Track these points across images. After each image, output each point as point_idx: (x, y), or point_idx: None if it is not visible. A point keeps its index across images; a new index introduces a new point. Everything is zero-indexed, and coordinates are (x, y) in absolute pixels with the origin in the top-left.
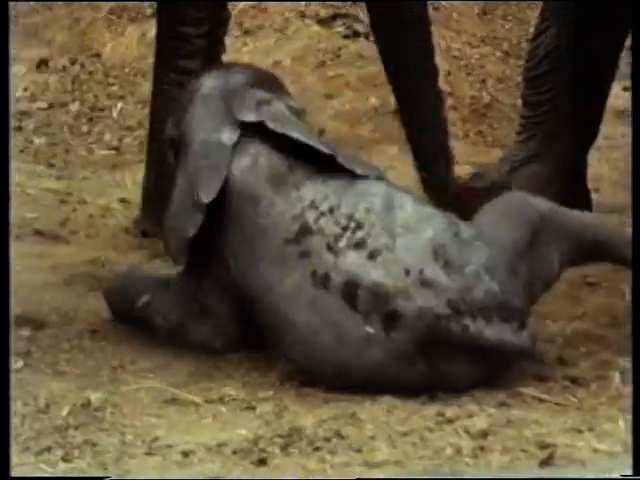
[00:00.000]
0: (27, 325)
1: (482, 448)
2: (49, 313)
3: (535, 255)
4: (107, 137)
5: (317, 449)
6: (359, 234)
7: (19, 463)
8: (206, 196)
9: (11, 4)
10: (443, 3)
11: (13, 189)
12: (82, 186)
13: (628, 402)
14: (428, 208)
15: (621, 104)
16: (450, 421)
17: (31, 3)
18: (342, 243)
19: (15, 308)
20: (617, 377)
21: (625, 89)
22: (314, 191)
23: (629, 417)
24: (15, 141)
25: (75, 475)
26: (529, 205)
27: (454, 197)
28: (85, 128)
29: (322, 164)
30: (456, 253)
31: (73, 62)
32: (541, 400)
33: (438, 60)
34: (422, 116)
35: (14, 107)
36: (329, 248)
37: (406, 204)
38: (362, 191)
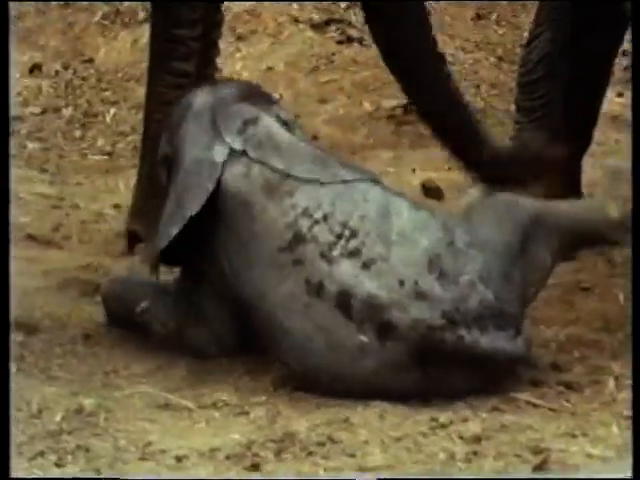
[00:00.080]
0: (20, 330)
1: (475, 453)
2: (42, 318)
3: (527, 256)
4: (100, 142)
5: (310, 454)
6: (353, 243)
7: (12, 468)
8: (191, 209)
9: None
10: (436, 7)
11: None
12: (75, 191)
13: (622, 407)
14: (423, 214)
15: (615, 110)
16: (443, 426)
17: (23, 8)
18: (336, 252)
19: None
20: (611, 382)
21: (619, 95)
22: (308, 198)
23: (623, 422)
24: None
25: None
26: (519, 206)
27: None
28: (78, 133)
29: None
30: (451, 263)
31: (66, 67)
32: (535, 405)
33: None
34: (440, 103)
35: None
36: (323, 256)
37: (402, 211)
38: (357, 197)
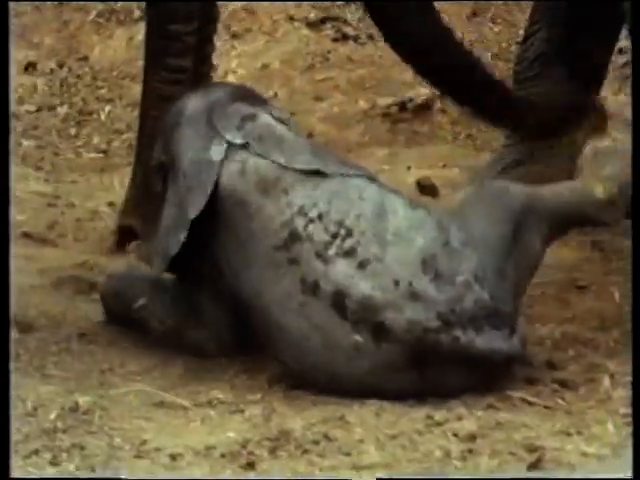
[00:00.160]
0: (15, 328)
1: (471, 451)
2: (37, 316)
3: (519, 246)
4: (95, 140)
5: (306, 452)
6: (349, 242)
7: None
8: (192, 212)
9: None
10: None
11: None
12: (70, 189)
13: (617, 405)
14: (419, 212)
15: (610, 107)
16: (439, 424)
17: (19, 6)
18: (332, 251)
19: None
20: (606, 380)
21: (615, 93)
22: (304, 196)
23: (619, 420)
24: None
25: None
26: (509, 195)
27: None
28: (73, 131)
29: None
30: (446, 263)
31: (61, 65)
32: (530, 403)
33: None
34: (473, 85)
35: None
36: (318, 256)
37: (397, 209)
38: (353, 196)
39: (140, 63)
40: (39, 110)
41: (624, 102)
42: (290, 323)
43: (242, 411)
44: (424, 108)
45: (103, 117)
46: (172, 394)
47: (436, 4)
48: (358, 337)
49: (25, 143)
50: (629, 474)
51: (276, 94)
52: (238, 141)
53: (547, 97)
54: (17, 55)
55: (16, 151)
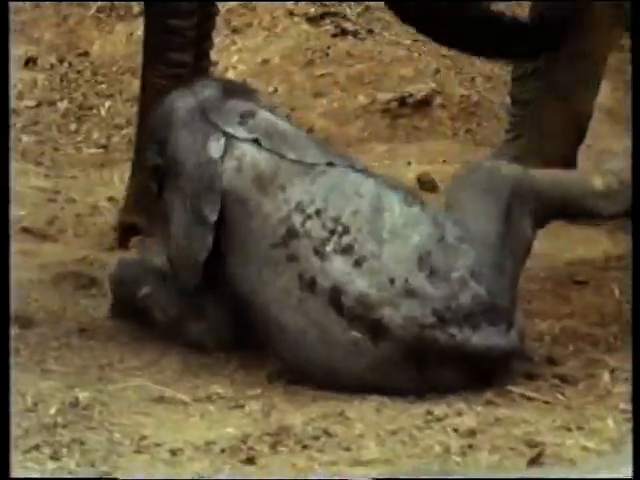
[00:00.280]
0: (15, 323)
1: (471, 446)
2: (37, 311)
3: (511, 230)
4: (95, 135)
5: (306, 447)
6: (346, 239)
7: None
8: (212, 215)
9: None
10: None
11: None
12: (70, 184)
13: (617, 400)
14: (415, 209)
15: (610, 103)
16: (439, 420)
17: (18, 2)
18: (329, 247)
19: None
20: (606, 375)
21: (614, 89)
22: (301, 192)
23: (619, 415)
24: None
25: (65, 475)
26: (496, 177)
27: None
28: (73, 126)
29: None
30: (441, 260)
31: (61, 60)
32: (530, 398)
33: (427, 59)
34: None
35: None
36: (316, 252)
37: (393, 206)
38: (349, 192)
39: (140, 58)
40: (39, 105)
41: (622, 98)
42: (288, 319)
43: (242, 406)
44: (424, 103)
45: (103, 112)
46: (172, 389)
47: None
48: (355, 334)
49: (25, 138)
50: (629, 469)
51: (276, 89)
52: (243, 134)
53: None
54: (17, 50)
55: (16, 146)
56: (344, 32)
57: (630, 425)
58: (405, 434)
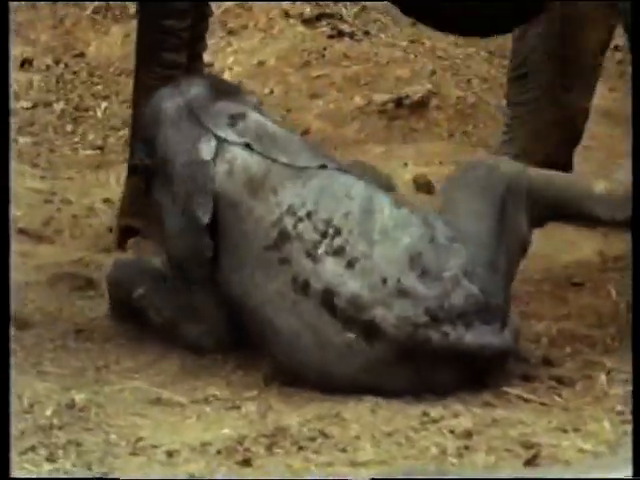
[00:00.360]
0: (11, 325)
1: (467, 448)
2: (33, 313)
3: (505, 227)
4: (91, 137)
5: (302, 449)
6: (337, 241)
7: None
8: (205, 217)
9: None
10: None
11: None
12: (66, 186)
13: (613, 402)
14: (405, 211)
15: (606, 104)
16: (435, 421)
17: (14, 3)
18: (321, 250)
19: None
20: (603, 377)
21: (611, 89)
22: (292, 195)
23: (615, 417)
24: None
25: (62, 476)
26: (493, 174)
27: None
28: (69, 128)
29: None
30: (433, 259)
31: (57, 61)
32: (526, 400)
33: (423, 60)
34: None
35: None
36: (308, 255)
37: (384, 208)
38: (340, 194)
39: None
40: (35, 106)
41: (618, 99)
42: (282, 322)
43: (238, 408)
44: (420, 105)
45: (99, 114)
46: (168, 391)
47: None
48: (349, 335)
49: (21, 140)
50: (626, 471)
51: (272, 91)
52: (233, 138)
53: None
54: (13, 51)
55: (12, 148)
56: (340, 33)
57: (627, 427)
58: (401, 435)
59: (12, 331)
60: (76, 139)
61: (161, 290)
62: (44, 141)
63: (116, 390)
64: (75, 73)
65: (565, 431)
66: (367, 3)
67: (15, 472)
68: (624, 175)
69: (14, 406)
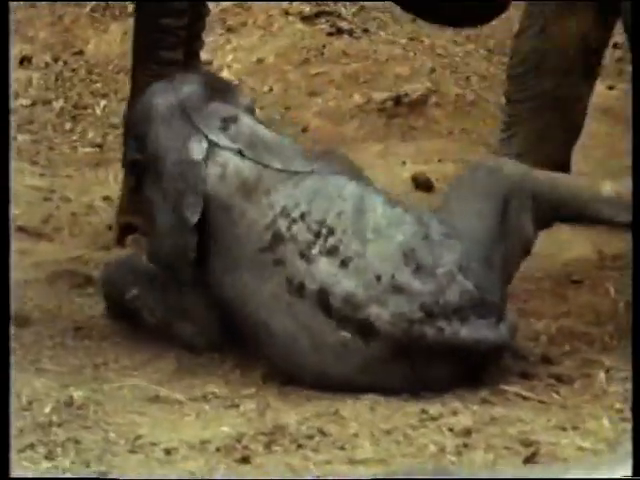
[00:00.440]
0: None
1: (466, 446)
2: (32, 310)
3: (507, 228)
4: (90, 135)
5: (300, 447)
6: (331, 240)
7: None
8: (193, 217)
9: None
10: None
11: None
12: (65, 183)
13: (612, 400)
14: (398, 209)
15: (605, 102)
16: (434, 419)
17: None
18: (315, 250)
19: None
20: (601, 375)
21: (610, 88)
22: (285, 197)
23: (614, 415)
24: None
25: (61, 475)
26: (497, 175)
27: None
28: (68, 125)
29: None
30: (427, 255)
31: (56, 59)
32: (525, 398)
33: (422, 58)
34: None
35: None
36: (302, 256)
37: (377, 207)
38: (333, 194)
39: None
40: (34, 104)
41: (617, 97)
42: (277, 324)
43: (237, 405)
44: (419, 103)
45: (98, 111)
46: (167, 388)
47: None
48: (344, 334)
49: (20, 137)
50: (625, 469)
51: (271, 88)
52: (225, 142)
53: None
54: (12, 49)
55: (11, 145)
56: (339, 31)
57: (625, 425)
58: (400, 433)
59: (11, 329)
60: (75, 137)
61: (153, 290)
62: (43, 139)
63: (115, 388)
64: (74, 71)
65: (564, 429)
66: (366, 2)
67: (14, 470)
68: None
69: (12, 404)
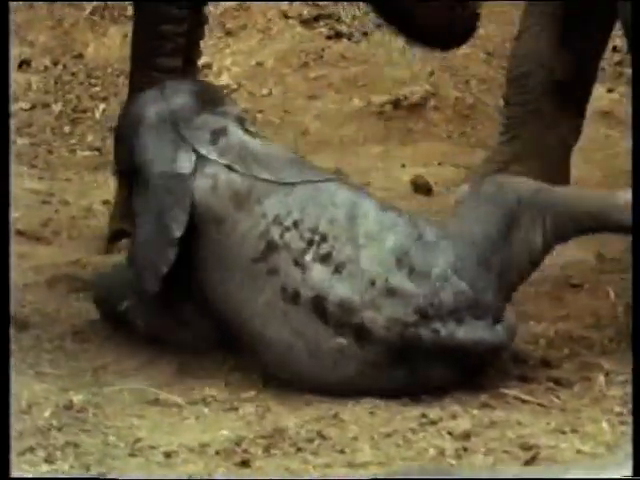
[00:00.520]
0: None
1: (465, 449)
2: (31, 314)
3: (514, 239)
4: (89, 138)
5: (300, 450)
6: (324, 247)
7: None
8: (177, 231)
9: None
10: None
11: None
12: (64, 187)
13: (612, 403)
14: (390, 214)
15: (604, 105)
16: (433, 422)
17: (12, 3)
18: (308, 257)
19: None
20: (601, 378)
21: (609, 90)
22: (277, 205)
23: (614, 418)
24: None
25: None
26: (504, 190)
27: None
28: (67, 129)
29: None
30: (420, 258)
31: (55, 63)
32: (524, 401)
33: (421, 61)
34: None
35: None
36: (296, 263)
37: (369, 212)
38: (325, 201)
39: None
40: (33, 108)
41: (616, 100)
42: (273, 334)
43: (236, 409)
44: (418, 106)
45: (97, 115)
46: (166, 392)
47: None
48: (341, 340)
49: (19, 141)
50: (624, 472)
51: (270, 92)
52: (214, 157)
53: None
54: (11, 52)
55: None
56: (338, 34)
57: (625, 428)
58: (399, 437)
59: (10, 332)
60: (74, 140)
61: (147, 301)
62: (42, 142)
63: (114, 391)
64: (73, 74)
65: (563, 432)
66: (365, 4)
67: (13, 473)
68: None
69: (12, 407)
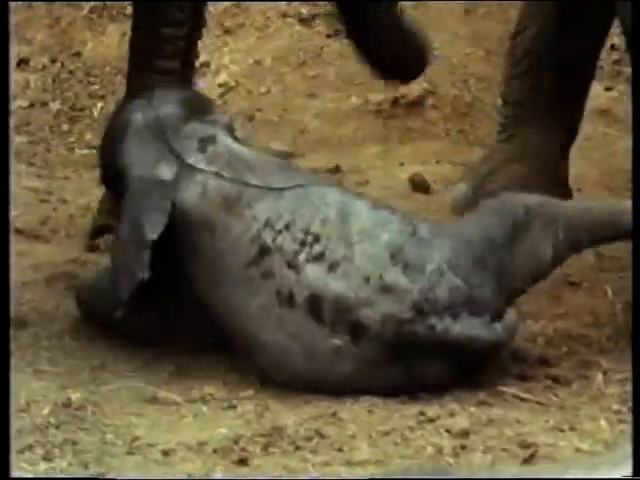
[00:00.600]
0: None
1: (463, 447)
2: (29, 312)
3: (520, 246)
4: (88, 136)
5: (298, 448)
6: (317, 247)
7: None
8: (152, 233)
9: None
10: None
11: None
12: (63, 185)
13: (610, 401)
14: (383, 212)
15: (603, 103)
16: (431, 420)
17: (11, 2)
18: (302, 258)
19: None
20: (599, 377)
21: (607, 89)
22: (268, 209)
23: (612, 416)
24: None
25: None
26: (511, 202)
27: None
28: (66, 127)
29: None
30: (415, 253)
31: (54, 61)
32: (523, 399)
33: None
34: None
35: None
36: (289, 266)
37: (361, 211)
38: (316, 202)
39: None
40: (31, 106)
41: (614, 98)
42: (269, 337)
43: (234, 407)
44: (416, 104)
45: (95, 113)
46: (164, 390)
47: (431, 2)
48: (337, 339)
49: (17, 139)
50: (623, 470)
51: (268, 90)
52: (203, 166)
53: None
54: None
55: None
56: (337, 33)
57: (623, 426)
58: (397, 435)
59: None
60: (72, 138)
61: (139, 308)
62: (40, 140)
63: (112, 389)
64: (71, 73)
65: (562, 430)
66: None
67: (11, 471)
68: None
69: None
